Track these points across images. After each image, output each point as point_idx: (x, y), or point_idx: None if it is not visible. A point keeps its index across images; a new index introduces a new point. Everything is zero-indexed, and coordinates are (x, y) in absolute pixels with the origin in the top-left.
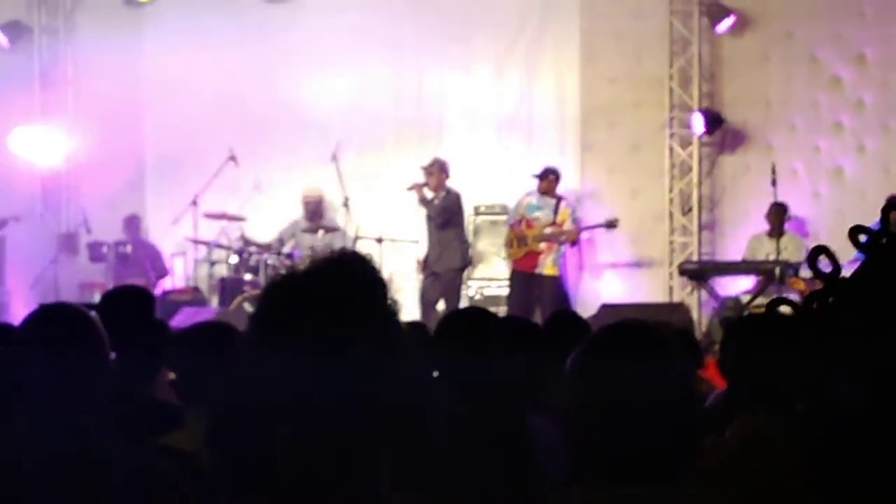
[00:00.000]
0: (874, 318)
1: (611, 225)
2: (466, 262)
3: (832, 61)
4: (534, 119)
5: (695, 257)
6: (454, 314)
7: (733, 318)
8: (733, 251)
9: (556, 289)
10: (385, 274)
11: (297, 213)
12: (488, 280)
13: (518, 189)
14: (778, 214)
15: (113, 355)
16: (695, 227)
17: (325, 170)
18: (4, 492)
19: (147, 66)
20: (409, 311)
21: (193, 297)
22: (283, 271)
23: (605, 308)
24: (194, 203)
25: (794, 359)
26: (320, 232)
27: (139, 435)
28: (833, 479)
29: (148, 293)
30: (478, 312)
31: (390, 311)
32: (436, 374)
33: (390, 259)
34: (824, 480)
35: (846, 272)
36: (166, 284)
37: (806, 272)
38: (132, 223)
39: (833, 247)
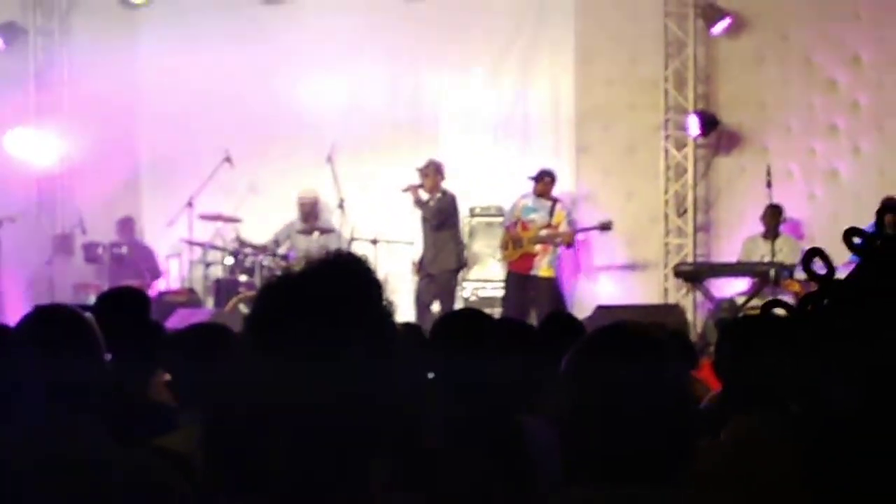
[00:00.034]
0: (869, 321)
1: (604, 227)
2: (462, 263)
3: (827, 63)
4: (529, 121)
5: (690, 259)
6: (449, 316)
7: (728, 319)
8: (728, 253)
9: (552, 290)
10: (380, 275)
11: (292, 214)
12: (483, 282)
13: (513, 191)
14: (773, 216)
15: (108, 357)
16: (690, 229)
17: (320, 171)
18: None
19: (142, 67)
20: (404, 312)
21: (188, 298)
22: (278, 273)
23: (601, 310)
24: (189, 204)
25: (788, 360)
26: (315, 233)
27: (134, 437)
28: (828, 480)
29: (143, 295)
30: (473, 314)
31: (386, 312)
32: (431, 375)
33: (385, 260)
34: (819, 482)
35: (841, 274)
36: (160, 286)
37: (801, 274)
38: (126, 225)
39: (828, 249)
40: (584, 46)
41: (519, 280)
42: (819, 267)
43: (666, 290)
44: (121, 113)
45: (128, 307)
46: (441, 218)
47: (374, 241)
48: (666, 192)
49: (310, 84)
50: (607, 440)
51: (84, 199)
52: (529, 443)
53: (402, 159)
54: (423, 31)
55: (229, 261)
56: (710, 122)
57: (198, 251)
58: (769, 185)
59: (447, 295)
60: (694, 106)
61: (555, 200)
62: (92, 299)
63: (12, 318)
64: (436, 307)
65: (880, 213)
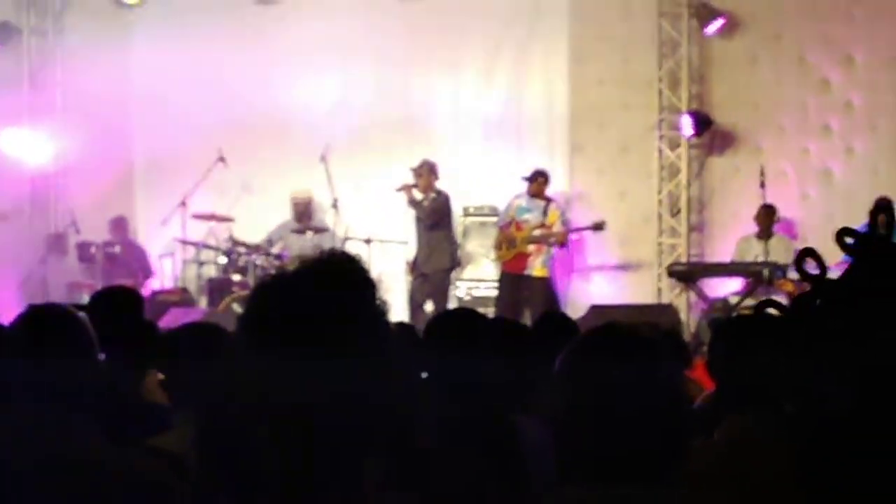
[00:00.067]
0: (861, 320)
1: (597, 227)
2: (455, 263)
3: (821, 63)
4: (523, 121)
5: (683, 259)
6: (443, 315)
7: (722, 319)
8: (722, 253)
9: (546, 290)
10: (374, 275)
11: (285, 214)
12: (477, 281)
13: (507, 191)
14: (767, 216)
15: (102, 356)
16: (683, 229)
17: (314, 171)
18: None
19: (136, 67)
20: (398, 312)
21: (182, 297)
22: (272, 272)
23: (595, 309)
24: (183, 204)
25: (782, 360)
26: (309, 233)
27: (127, 436)
28: (821, 479)
29: (137, 294)
30: (466, 313)
31: (379, 311)
32: (424, 375)
33: (379, 260)
34: (813, 481)
35: (834, 274)
36: (153, 285)
37: (794, 274)
38: (119, 224)
39: (822, 249)
40: (578, 46)
41: (513, 280)
42: (811, 267)
43: (659, 289)
44: (114, 113)
45: (121, 307)
46: (435, 218)
47: (368, 241)
48: (659, 191)
49: (304, 84)
50: (601, 440)
51: (78, 199)
52: (523, 443)
53: (396, 159)
54: (417, 30)
55: (223, 260)
56: (703, 122)
57: (191, 250)
58: (763, 185)
59: (440, 294)
60: (687, 106)
61: (548, 200)
62: (85, 299)
63: (6, 317)
64: (429, 307)
65: (873, 214)
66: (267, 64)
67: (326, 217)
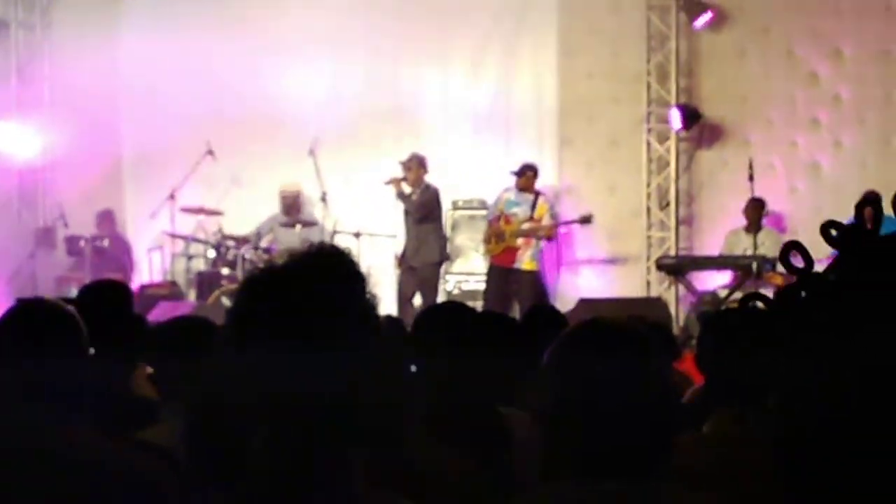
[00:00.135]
0: (845, 313)
1: (585, 220)
2: (444, 256)
3: (809, 57)
4: (511, 114)
5: (672, 252)
6: (431, 309)
7: (711, 312)
8: (711, 246)
9: (535, 283)
10: (363, 268)
11: (274, 207)
12: (466, 275)
13: (496, 184)
14: (755, 209)
15: (91, 350)
16: (672, 222)
17: (302, 164)
18: None
19: (124, 60)
20: (387, 305)
21: (171, 291)
22: (260, 265)
23: (583, 303)
24: (172, 197)
25: (769, 353)
26: (298, 226)
27: (116, 430)
28: (808, 474)
29: (125, 287)
30: (455, 307)
31: (369, 305)
32: (413, 368)
33: (368, 253)
34: (800, 476)
35: (822, 268)
36: (139, 279)
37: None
38: (106, 218)
39: (810, 242)
40: (567, 40)
41: (501, 273)
42: (797, 260)
43: (648, 283)
44: (103, 106)
45: (110, 300)
46: (424, 211)
47: (357, 234)
48: (648, 185)
49: (293, 77)
50: (589, 434)
51: (66, 193)
52: (511, 436)
53: (384, 153)
54: (406, 23)
55: (211, 253)
56: (692, 116)
57: (180, 244)
58: (751, 178)
59: (429, 288)
60: (676, 99)
61: (537, 194)
62: (74, 292)
63: None
64: (418, 300)
65: (859, 207)
66: (256, 56)
67: (315, 210)
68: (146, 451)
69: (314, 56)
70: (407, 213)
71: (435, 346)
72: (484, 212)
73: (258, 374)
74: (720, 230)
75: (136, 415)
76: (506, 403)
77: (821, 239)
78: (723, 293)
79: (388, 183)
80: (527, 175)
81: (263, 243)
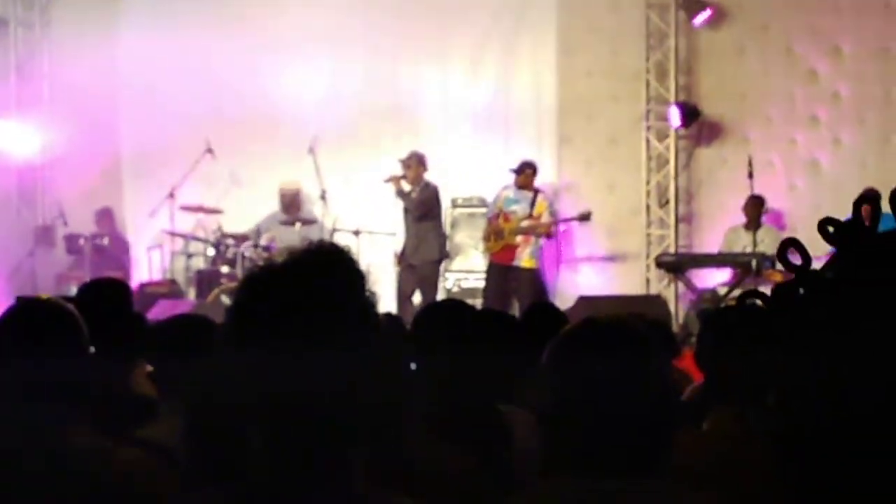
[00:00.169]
0: (842, 310)
1: (584, 218)
2: (443, 254)
3: (808, 54)
4: (511, 112)
5: (672, 250)
6: (431, 306)
7: (710, 310)
8: (710, 244)
9: (534, 281)
10: (363, 266)
11: (274, 205)
12: (466, 272)
13: (495, 182)
14: (755, 207)
15: (91, 349)
16: (672, 220)
17: (302, 162)
18: None
19: (123, 58)
20: (386, 303)
21: (170, 289)
22: (260, 263)
23: (583, 300)
24: (171, 195)
25: (768, 351)
26: (297, 224)
27: (115, 428)
28: (807, 472)
29: (125, 285)
30: (455, 304)
31: (368, 303)
32: (413, 366)
33: (368, 251)
34: (799, 474)
35: (819, 265)
36: (139, 277)
37: None
38: (105, 216)
39: (810, 239)
40: (566, 38)
41: (501, 271)
42: (795, 257)
43: (648, 280)
44: (102, 104)
45: (109, 299)
46: (423, 209)
47: (357, 232)
48: (648, 182)
49: (292, 75)
50: (589, 433)
51: (65, 191)
52: (511, 434)
53: (384, 151)
54: (405, 21)
55: (211, 252)
56: (691, 113)
57: (179, 242)
58: (751, 175)
59: (429, 286)
60: (675, 97)
61: (536, 191)
62: (73, 291)
63: None
64: (417, 298)
65: (857, 204)
66: (255, 55)
67: (315, 208)
68: (144, 449)
69: (313, 54)
70: (406, 210)
71: (434, 343)
72: (483, 209)
73: (258, 372)
74: (719, 228)
75: (135, 413)
76: (506, 401)
77: (819, 236)
78: (722, 291)
79: (388, 181)
80: (526, 173)
81: (263, 241)
